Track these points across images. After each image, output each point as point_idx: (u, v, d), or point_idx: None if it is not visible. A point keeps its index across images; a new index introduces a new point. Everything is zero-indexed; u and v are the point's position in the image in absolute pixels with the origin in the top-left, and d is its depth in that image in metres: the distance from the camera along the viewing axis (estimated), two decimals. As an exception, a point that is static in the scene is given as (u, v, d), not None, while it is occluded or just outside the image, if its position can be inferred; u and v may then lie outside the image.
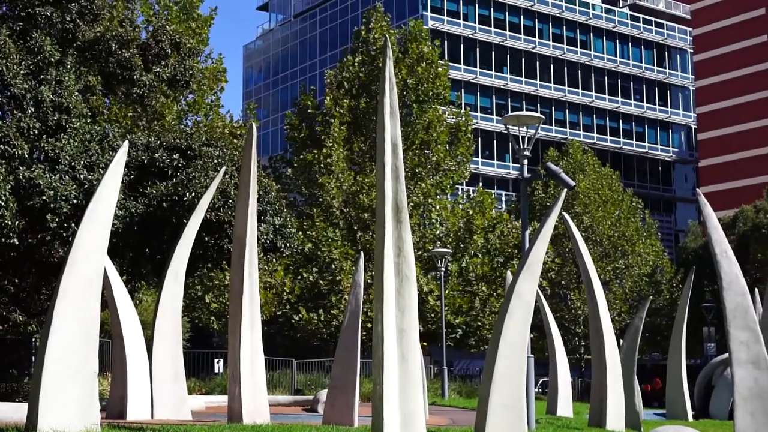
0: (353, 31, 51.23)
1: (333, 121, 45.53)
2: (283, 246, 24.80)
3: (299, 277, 43.74)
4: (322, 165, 44.54)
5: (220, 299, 42.37)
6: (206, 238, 22.95)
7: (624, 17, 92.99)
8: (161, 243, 22.87)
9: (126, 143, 14.04)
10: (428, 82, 47.26)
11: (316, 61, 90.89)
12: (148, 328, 19.57)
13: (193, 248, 19.66)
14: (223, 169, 21.06)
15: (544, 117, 22.88)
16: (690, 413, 30.04)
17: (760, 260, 55.13)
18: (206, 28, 38.85)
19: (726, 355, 15.83)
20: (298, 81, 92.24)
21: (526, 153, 20.80)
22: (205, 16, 39.43)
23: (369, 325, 31.75)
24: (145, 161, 23.44)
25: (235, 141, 34.60)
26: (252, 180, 16.40)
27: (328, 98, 46.83)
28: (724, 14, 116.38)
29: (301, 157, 45.91)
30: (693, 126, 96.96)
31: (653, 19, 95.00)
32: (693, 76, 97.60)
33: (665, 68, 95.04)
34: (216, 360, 39.34)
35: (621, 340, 26.71)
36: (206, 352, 39.00)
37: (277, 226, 24.54)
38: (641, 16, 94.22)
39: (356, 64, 47.17)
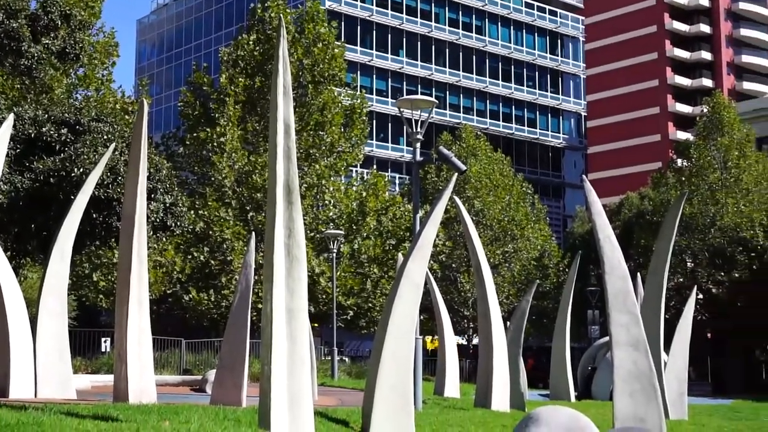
0: (249, 9, 50.76)
1: (228, 99, 45.12)
2: (173, 225, 24.58)
3: (190, 257, 43.35)
4: (215, 144, 44.14)
5: (108, 277, 41.72)
6: (94, 215, 22.59)
7: (519, 4, 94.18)
8: (48, 219, 22.46)
9: (11, 116, 13.75)
10: (324, 63, 47.13)
11: (212, 38, 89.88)
12: (33, 305, 19.21)
13: (81, 225, 19.35)
14: (113, 145, 20.73)
15: (437, 101, 23.12)
16: (573, 394, 30.80)
17: (643, 246, 56.51)
18: (99, 1, 38.02)
19: (608, 338, 16.24)
20: (193, 58, 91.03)
21: (419, 137, 20.97)
22: (97, -12, 38.56)
23: (259, 306, 31.67)
24: (33, 135, 22.95)
25: (127, 117, 34.05)
26: (142, 157, 16.20)
27: (223, 76, 46.39)
28: (615, 4, 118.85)
29: (194, 135, 45.40)
30: (583, 113, 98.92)
31: (547, 6, 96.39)
32: (584, 65, 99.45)
33: (557, 56, 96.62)
34: (103, 339, 38.80)
35: (508, 323, 27.20)
36: (93, 331, 38.41)
37: (167, 205, 24.30)
38: (535, 3, 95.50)
39: (252, 42, 46.79)
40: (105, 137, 23.22)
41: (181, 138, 48.69)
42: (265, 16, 47.30)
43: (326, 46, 47.60)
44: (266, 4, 47.62)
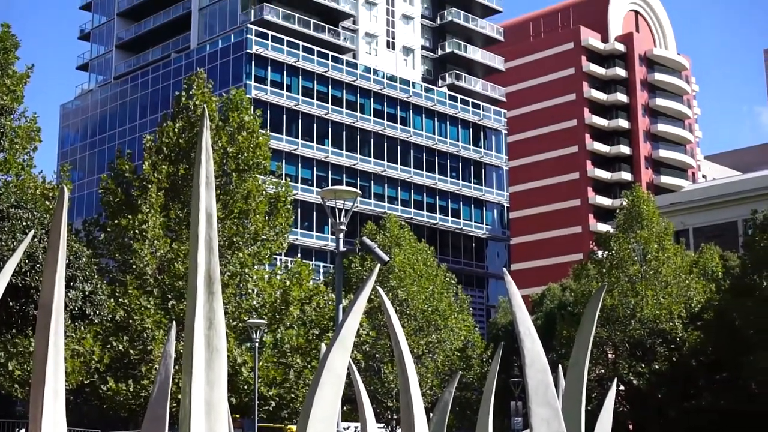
0: (174, 97, 50.78)
1: (150, 186, 44.83)
2: (92, 313, 24.14)
3: (109, 346, 42.49)
4: (137, 231, 43.69)
5: (24, 366, 40.65)
6: (11, 303, 22.09)
7: (442, 97, 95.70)
8: (-38, 307, 21.88)
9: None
10: (249, 151, 47.15)
11: (136, 125, 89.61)
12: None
13: (-4, 313, 18.89)
14: (32, 232, 20.39)
15: (361, 192, 23.26)
16: (496, 487, 30.58)
17: (565, 337, 56.89)
18: (21, 86, 37.71)
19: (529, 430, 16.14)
20: (116, 143, 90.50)
21: (343, 227, 21.03)
22: (20, 74, 38.30)
23: (179, 397, 31.12)
24: (-51, 221, 22.49)
25: (47, 203, 33.57)
26: (61, 244, 15.85)
27: (146, 163, 46.14)
28: (536, 98, 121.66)
29: (116, 222, 44.92)
30: (506, 204, 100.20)
31: (470, 99, 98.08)
32: (506, 157, 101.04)
33: (480, 147, 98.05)
34: (18, 429, 37.72)
35: (431, 414, 27.07)
36: (8, 422, 37.32)
37: (86, 293, 23.89)
38: (459, 96, 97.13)
39: (176, 129, 46.72)
40: (24, 224, 22.86)
41: (102, 224, 48.12)
42: (190, 104, 47.33)
43: (251, 134, 47.69)
44: (191, 92, 47.70)
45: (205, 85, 48.16)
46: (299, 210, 79.52)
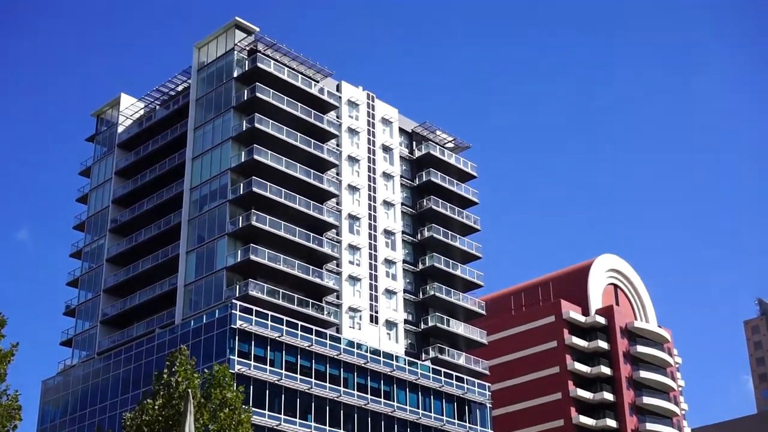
0: (155, 374, 50.55)
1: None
2: None
3: None
4: None
5: None
6: None
7: (426, 370, 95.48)
8: None
9: None
10: (231, 428, 46.61)
11: (117, 401, 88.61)
12: None
13: None
14: None
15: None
16: None
17: None
18: (5, 364, 37.65)
19: None
20: (97, 420, 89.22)
21: None
22: (5, 351, 38.32)
23: None
24: None
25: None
26: None
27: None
28: (520, 371, 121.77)
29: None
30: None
31: (454, 373, 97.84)
32: (492, 431, 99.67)
33: (465, 422, 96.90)
34: None
35: None
36: None
37: None
38: (443, 369, 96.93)
39: (157, 407, 46.29)
40: None
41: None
42: (172, 381, 47.13)
43: (233, 411, 47.30)
44: (173, 369, 47.60)
45: (187, 362, 48.14)
46: (281, 488, 77.45)
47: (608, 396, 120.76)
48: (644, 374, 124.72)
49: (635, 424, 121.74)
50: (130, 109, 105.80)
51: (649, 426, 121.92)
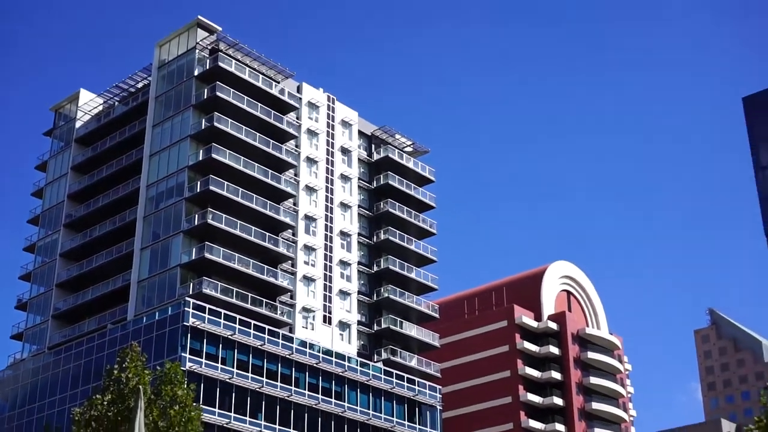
0: (106, 369, 50.70)
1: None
2: None
3: None
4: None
5: None
6: None
7: (378, 371, 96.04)
8: None
9: None
10: (180, 425, 46.88)
11: (67, 395, 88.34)
12: None
13: None
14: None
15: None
16: None
17: None
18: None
19: None
20: (46, 414, 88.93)
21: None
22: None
23: None
24: None
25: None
26: None
27: (73, 436, 45.53)
28: (470, 375, 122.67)
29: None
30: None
31: (406, 375, 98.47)
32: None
33: (416, 424, 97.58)
34: None
35: None
36: None
37: None
38: (394, 371, 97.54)
39: (106, 402, 46.49)
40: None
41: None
42: (122, 377, 47.35)
43: (183, 408, 47.56)
44: (123, 365, 47.81)
45: (138, 359, 48.37)
46: (229, 486, 77.70)
47: (558, 401, 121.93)
48: (594, 380, 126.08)
49: (584, 429, 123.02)
50: (88, 104, 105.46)
51: (597, 431, 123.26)
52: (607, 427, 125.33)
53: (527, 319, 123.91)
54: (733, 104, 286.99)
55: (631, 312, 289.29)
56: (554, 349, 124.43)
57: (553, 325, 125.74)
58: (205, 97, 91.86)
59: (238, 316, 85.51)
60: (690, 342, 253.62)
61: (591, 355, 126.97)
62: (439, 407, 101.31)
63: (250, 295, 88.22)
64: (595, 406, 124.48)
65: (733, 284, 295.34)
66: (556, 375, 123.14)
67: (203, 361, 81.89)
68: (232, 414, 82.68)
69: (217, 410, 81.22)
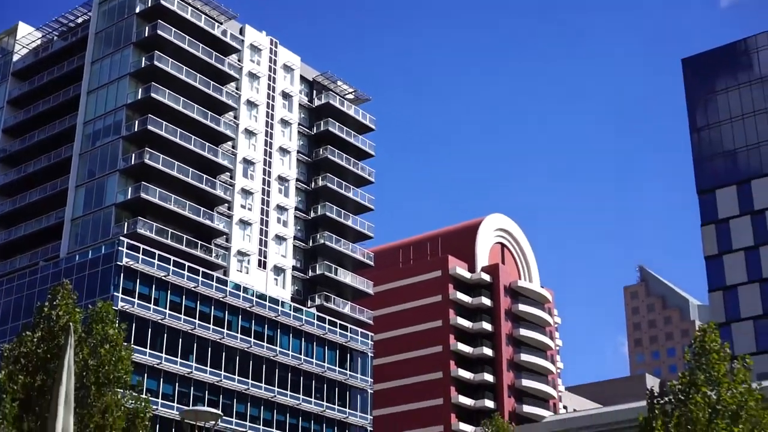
0: (36, 306, 50.35)
1: (5, 396, 43.84)
2: None
3: None
4: (-14, 442, 42.40)
5: None
6: None
7: (311, 317, 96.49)
8: None
9: None
10: (110, 364, 46.78)
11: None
12: None
13: None
14: None
15: (222, 414, 23.51)
16: None
17: None
18: None
19: None
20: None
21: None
22: None
23: None
24: None
25: None
26: None
27: (2, 372, 45.25)
28: (402, 323, 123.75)
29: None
30: (369, 428, 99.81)
31: (338, 321, 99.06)
32: (371, 380, 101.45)
33: (346, 369, 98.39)
34: None
35: None
36: None
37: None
38: (327, 317, 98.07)
39: (36, 340, 46.21)
40: None
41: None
42: (53, 314, 47.05)
43: (114, 347, 47.45)
44: (55, 303, 47.49)
45: (69, 296, 48.05)
46: (158, 426, 77.90)
47: (488, 351, 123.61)
48: (524, 332, 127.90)
49: (511, 379, 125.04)
50: (27, 38, 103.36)
51: (525, 382, 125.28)
52: (534, 378, 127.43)
53: (461, 270, 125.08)
54: (674, 65, 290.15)
55: (563, 267, 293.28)
56: (486, 301, 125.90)
57: (486, 277, 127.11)
58: (146, 35, 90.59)
59: (172, 258, 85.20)
60: (619, 298, 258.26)
61: (522, 307, 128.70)
62: (370, 354, 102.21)
63: (185, 236, 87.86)
64: (524, 357, 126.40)
65: (664, 243, 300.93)
66: (487, 326, 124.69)
67: (136, 301, 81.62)
68: (164, 355, 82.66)
69: (148, 350, 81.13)
